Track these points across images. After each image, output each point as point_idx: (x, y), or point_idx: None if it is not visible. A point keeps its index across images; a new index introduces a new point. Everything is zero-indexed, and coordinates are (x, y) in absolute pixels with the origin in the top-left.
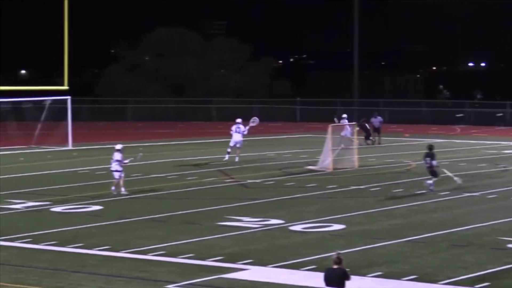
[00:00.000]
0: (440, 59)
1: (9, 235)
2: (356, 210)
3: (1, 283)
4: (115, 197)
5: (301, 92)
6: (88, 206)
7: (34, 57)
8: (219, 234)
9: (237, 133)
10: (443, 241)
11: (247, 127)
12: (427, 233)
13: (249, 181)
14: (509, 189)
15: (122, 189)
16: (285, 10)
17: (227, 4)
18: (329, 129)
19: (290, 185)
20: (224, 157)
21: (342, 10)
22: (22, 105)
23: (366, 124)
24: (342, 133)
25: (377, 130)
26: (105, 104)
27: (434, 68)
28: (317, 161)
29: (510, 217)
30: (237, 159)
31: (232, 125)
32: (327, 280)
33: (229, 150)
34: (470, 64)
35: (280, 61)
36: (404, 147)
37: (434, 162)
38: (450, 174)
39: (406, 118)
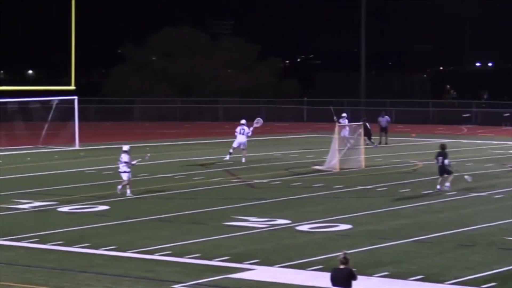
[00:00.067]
0: (447, 59)
1: (16, 235)
2: (363, 210)
3: (9, 283)
4: (122, 197)
5: (308, 92)
6: (94, 206)
7: (41, 57)
8: (225, 234)
9: (241, 134)
10: (450, 241)
11: (251, 128)
12: (434, 233)
13: (255, 181)
14: None
15: (128, 191)
16: (292, 10)
17: (234, 4)
18: (336, 129)
19: (297, 185)
20: (225, 157)
21: (349, 10)
22: (29, 105)
23: (367, 124)
24: (342, 134)
25: (384, 130)
26: (112, 104)
27: (441, 68)
28: (323, 161)
29: None
30: (243, 159)
31: (238, 125)
32: (334, 280)
33: (231, 150)
34: (477, 64)
35: (287, 61)
36: (411, 147)
37: (446, 161)
38: (460, 173)
39: (413, 118)
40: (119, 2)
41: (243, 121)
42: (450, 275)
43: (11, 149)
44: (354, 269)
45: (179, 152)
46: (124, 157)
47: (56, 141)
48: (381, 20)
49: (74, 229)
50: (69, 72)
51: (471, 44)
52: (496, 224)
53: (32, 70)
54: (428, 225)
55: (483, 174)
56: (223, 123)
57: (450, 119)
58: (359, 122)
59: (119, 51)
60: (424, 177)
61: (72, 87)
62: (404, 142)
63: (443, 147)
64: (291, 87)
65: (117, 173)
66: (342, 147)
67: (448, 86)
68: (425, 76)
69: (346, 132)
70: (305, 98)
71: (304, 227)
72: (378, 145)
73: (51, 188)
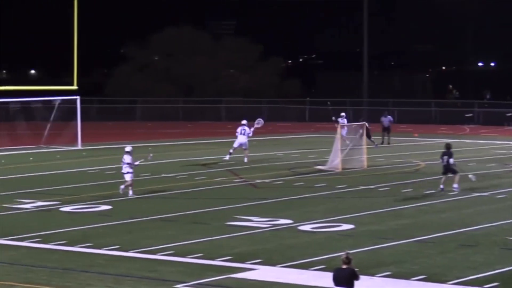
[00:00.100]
0: (450, 59)
1: (18, 235)
2: (365, 210)
3: (11, 283)
4: (124, 197)
5: (310, 92)
6: (97, 206)
7: (43, 57)
8: (228, 234)
9: (242, 135)
10: (452, 241)
11: (252, 129)
12: (436, 233)
13: (258, 181)
14: None
15: (130, 192)
16: (294, 10)
17: (236, 3)
18: (338, 129)
19: (299, 185)
20: (225, 157)
21: (351, 10)
22: (31, 105)
23: (366, 124)
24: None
25: (386, 130)
26: (114, 104)
27: (444, 68)
28: (326, 161)
29: None
30: (246, 159)
31: (239, 125)
32: (336, 280)
33: (231, 151)
34: (480, 64)
35: (289, 61)
36: (413, 147)
37: (451, 160)
38: (464, 172)
39: (415, 118)
40: (121, 2)
41: (244, 122)
42: (452, 275)
43: (13, 149)
44: (356, 269)
45: (181, 152)
46: (127, 158)
47: (58, 141)
48: (384, 20)
49: (76, 229)
50: (71, 72)
51: (473, 44)
52: (498, 224)
53: (34, 70)
54: (430, 225)
55: (486, 174)
56: (226, 123)
57: (453, 119)
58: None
59: (121, 51)
60: (426, 177)
61: (74, 87)
62: (406, 142)
63: (448, 146)
64: (293, 87)
65: (119, 173)
66: (344, 147)
67: (451, 86)
68: (427, 76)
69: (344, 131)
70: (308, 98)
71: (306, 227)
72: (380, 145)
73: (54, 188)
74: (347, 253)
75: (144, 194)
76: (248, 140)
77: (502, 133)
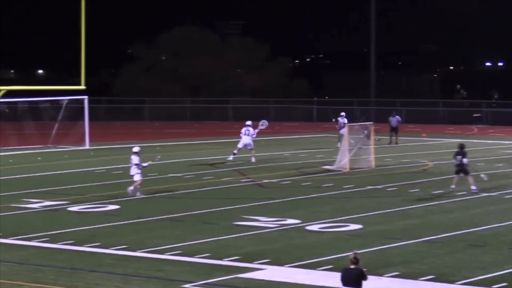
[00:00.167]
0: (457, 58)
1: (26, 235)
2: (373, 210)
3: (19, 282)
4: (132, 197)
5: (317, 92)
6: (105, 205)
7: (51, 57)
8: (235, 234)
9: (246, 135)
10: (460, 241)
11: (256, 130)
12: (444, 233)
13: (265, 180)
14: None
15: (138, 193)
16: (302, 10)
17: (243, 4)
18: (346, 129)
19: (307, 185)
20: (229, 157)
21: (358, 10)
22: (39, 105)
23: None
24: (340, 132)
25: (394, 130)
26: (122, 104)
27: (451, 67)
28: (333, 161)
29: None
30: (253, 159)
31: (256, 124)
32: (344, 280)
33: (235, 151)
34: (488, 63)
35: (297, 61)
36: (421, 147)
37: (465, 160)
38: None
39: (423, 118)
40: (129, 2)
41: (248, 122)
42: (461, 275)
43: (21, 148)
44: (364, 269)
45: (188, 152)
46: (134, 159)
47: (66, 140)
48: (391, 20)
49: (84, 229)
50: (79, 72)
51: (481, 44)
52: (507, 224)
53: (42, 69)
54: (438, 225)
55: (494, 174)
56: (233, 123)
57: (461, 119)
58: (367, 122)
59: (129, 51)
60: (434, 177)
61: (82, 87)
62: (414, 142)
63: (462, 146)
64: (300, 87)
65: (127, 173)
66: (351, 147)
67: (458, 86)
68: (435, 76)
69: (343, 131)
70: (315, 98)
71: (314, 227)
72: (387, 145)
73: (61, 187)
74: (355, 253)
75: (151, 194)
76: (254, 140)
77: (510, 133)
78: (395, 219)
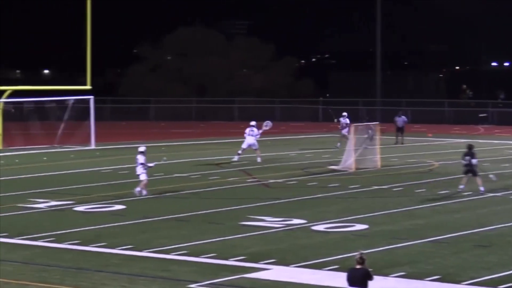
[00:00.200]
0: (463, 58)
1: (32, 234)
2: (379, 210)
3: (25, 282)
4: (138, 196)
5: (323, 92)
6: (111, 205)
7: (57, 57)
8: (241, 234)
9: (251, 135)
10: (466, 242)
11: (260, 131)
12: (450, 234)
13: (271, 180)
14: None
15: (144, 191)
16: (307, 10)
17: (248, 3)
18: (352, 129)
19: (313, 185)
20: (233, 158)
21: (364, 10)
22: (45, 105)
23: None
24: (342, 132)
25: (400, 130)
26: (128, 104)
27: (457, 67)
28: (339, 161)
29: None
30: (259, 159)
31: (260, 124)
32: (350, 280)
33: (239, 151)
34: (494, 63)
35: (302, 61)
36: (427, 147)
37: (474, 161)
38: (485, 172)
39: (428, 118)
40: (135, 2)
41: (252, 123)
42: (467, 276)
43: (27, 148)
44: (370, 269)
45: (194, 152)
46: (140, 158)
47: (72, 140)
48: (397, 20)
49: (90, 229)
50: (84, 72)
51: (487, 44)
52: None
53: (48, 69)
54: (444, 225)
55: (500, 174)
56: (239, 123)
57: (466, 119)
58: (374, 122)
59: (135, 51)
60: (440, 177)
61: (88, 87)
62: (420, 142)
63: (470, 147)
64: (306, 87)
65: (132, 173)
66: (357, 147)
67: (464, 86)
68: (441, 76)
69: (345, 131)
70: (321, 98)
71: (320, 227)
72: (394, 145)
73: (67, 187)
74: (361, 253)
75: (157, 194)
76: (258, 140)
77: None
78: (401, 219)
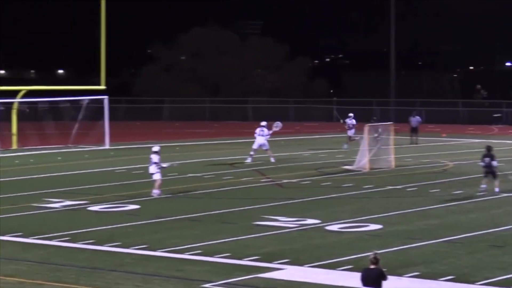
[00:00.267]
0: (478, 58)
1: (47, 234)
2: (393, 210)
3: (40, 282)
4: (152, 196)
5: (337, 92)
6: (125, 205)
7: (71, 57)
8: (255, 234)
9: (261, 135)
10: (481, 242)
11: (270, 131)
12: (464, 234)
13: (285, 180)
14: None
15: (158, 191)
16: (321, 10)
17: (262, 3)
18: (366, 129)
19: (326, 185)
20: (247, 159)
21: (378, 10)
22: (59, 105)
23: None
24: (348, 133)
25: (414, 130)
26: (142, 103)
27: (471, 67)
28: (353, 161)
29: None
30: (272, 159)
31: (270, 124)
32: (364, 280)
33: (251, 153)
34: (508, 63)
35: (316, 61)
36: (441, 147)
37: (495, 163)
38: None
39: (443, 118)
40: (149, 2)
41: (263, 123)
42: (481, 276)
43: (42, 148)
44: (384, 269)
45: (208, 152)
46: (154, 158)
47: (87, 140)
48: (411, 20)
49: (104, 228)
50: (99, 72)
51: (501, 44)
52: None
53: (62, 69)
54: (458, 225)
55: None
56: (252, 123)
57: (481, 119)
58: (388, 122)
59: (149, 51)
60: (455, 177)
61: (102, 87)
62: (434, 142)
63: (489, 148)
64: (320, 87)
65: (146, 173)
66: (372, 147)
67: (479, 86)
68: (455, 76)
69: (351, 132)
70: (335, 98)
71: (333, 227)
72: (409, 145)
73: (82, 187)
74: (375, 253)
75: (171, 193)
76: (272, 141)
77: None
78: (415, 219)
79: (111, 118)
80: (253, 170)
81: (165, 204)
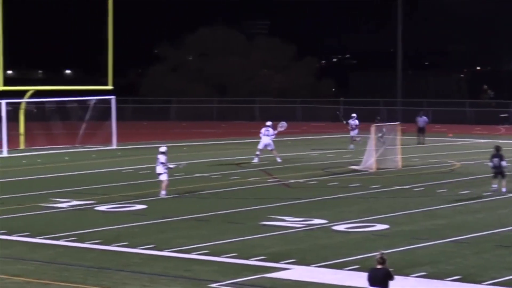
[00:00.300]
0: (485, 59)
1: (54, 234)
2: (400, 210)
3: (47, 281)
4: (159, 196)
5: (344, 92)
6: (132, 205)
7: (79, 57)
8: (261, 234)
9: (266, 135)
10: (487, 242)
11: (275, 131)
12: (471, 234)
13: (291, 180)
14: None
15: (164, 191)
16: (328, 10)
17: (269, 4)
18: (372, 129)
19: (333, 185)
20: (253, 159)
21: (385, 10)
22: (66, 105)
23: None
24: (351, 134)
25: (421, 130)
26: (149, 104)
27: (478, 68)
28: (360, 161)
29: None
30: (278, 159)
31: (276, 124)
32: (371, 280)
33: (257, 153)
34: None
35: (323, 61)
36: (448, 147)
37: (504, 163)
38: None
39: (449, 118)
40: (156, 2)
41: (268, 123)
42: (488, 276)
43: (49, 148)
44: (391, 269)
45: (215, 152)
46: (161, 158)
47: (94, 140)
48: (418, 20)
49: (111, 228)
50: (106, 72)
51: (508, 44)
52: None
53: (69, 69)
54: (465, 225)
55: None
56: (259, 123)
57: (487, 119)
58: (395, 122)
59: (156, 51)
60: (462, 177)
61: (110, 87)
62: (441, 142)
63: (498, 148)
64: (327, 87)
65: (153, 173)
66: (378, 147)
67: (486, 86)
68: (462, 76)
69: (354, 132)
70: (341, 98)
71: (340, 227)
72: (418, 145)
73: (89, 187)
74: (382, 253)
75: (178, 193)
76: (278, 141)
77: None
78: (422, 219)
79: (118, 118)
80: (260, 170)
81: (172, 204)
